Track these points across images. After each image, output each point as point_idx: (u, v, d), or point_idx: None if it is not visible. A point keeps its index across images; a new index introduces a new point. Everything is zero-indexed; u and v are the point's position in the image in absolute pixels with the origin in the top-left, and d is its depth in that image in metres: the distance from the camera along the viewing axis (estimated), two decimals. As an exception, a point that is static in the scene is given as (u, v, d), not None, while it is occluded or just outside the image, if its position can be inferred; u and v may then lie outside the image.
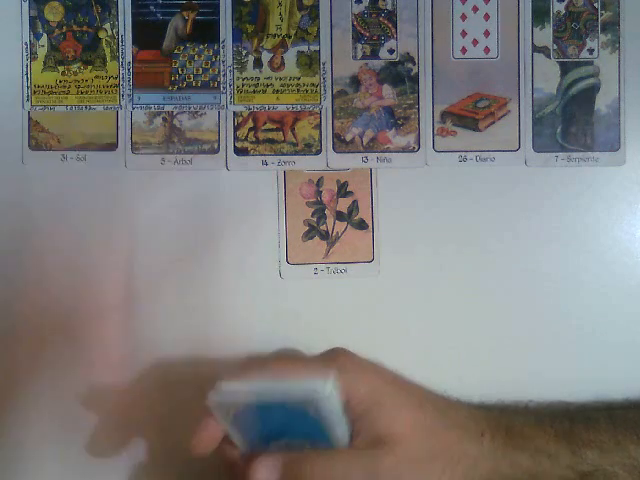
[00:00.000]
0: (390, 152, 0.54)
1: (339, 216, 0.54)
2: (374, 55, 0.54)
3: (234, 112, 0.54)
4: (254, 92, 0.54)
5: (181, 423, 0.44)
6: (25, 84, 0.53)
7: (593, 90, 0.54)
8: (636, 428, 0.46)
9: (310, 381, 0.40)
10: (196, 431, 0.42)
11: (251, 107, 0.54)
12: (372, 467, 0.41)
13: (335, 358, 0.44)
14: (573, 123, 0.54)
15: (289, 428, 0.41)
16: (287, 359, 0.49)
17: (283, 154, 0.54)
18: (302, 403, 0.40)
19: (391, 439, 0.41)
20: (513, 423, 0.46)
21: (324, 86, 0.54)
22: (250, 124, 0.54)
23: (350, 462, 0.41)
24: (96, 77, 0.53)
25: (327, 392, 0.40)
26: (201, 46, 0.53)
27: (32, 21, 0.53)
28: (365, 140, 0.54)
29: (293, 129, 0.54)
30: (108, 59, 0.53)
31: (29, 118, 0.53)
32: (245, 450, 0.43)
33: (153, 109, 0.53)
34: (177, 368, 0.53)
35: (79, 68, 0.53)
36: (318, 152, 0.54)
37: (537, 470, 0.43)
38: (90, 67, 0.53)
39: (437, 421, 0.43)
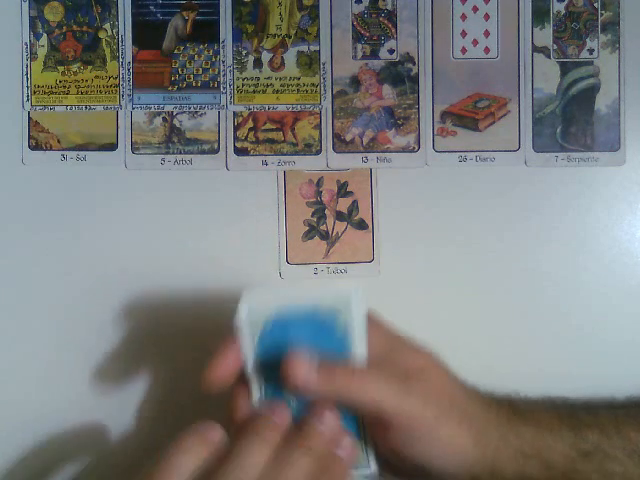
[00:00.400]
0: (390, 152, 0.54)
1: (339, 216, 0.54)
2: (374, 55, 0.54)
3: (234, 112, 0.54)
4: (254, 92, 0.54)
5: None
6: (25, 84, 0.53)
7: (593, 90, 0.54)
8: (637, 416, 0.46)
9: (340, 288, 0.41)
10: (213, 358, 0.40)
11: (251, 107, 0.54)
12: (404, 387, 0.40)
13: None
14: (573, 123, 0.54)
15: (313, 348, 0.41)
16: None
17: (283, 154, 0.54)
18: (334, 308, 0.40)
19: (414, 374, 0.41)
20: (516, 402, 0.46)
21: (324, 86, 0.54)
22: (250, 124, 0.54)
23: (385, 379, 0.40)
24: (96, 77, 0.53)
25: (358, 295, 0.40)
26: (201, 46, 0.53)
27: (32, 21, 0.53)
28: (365, 140, 0.54)
29: (293, 129, 0.54)
30: (108, 59, 0.53)
31: (29, 118, 0.53)
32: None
33: (153, 109, 0.53)
34: (177, 374, 0.53)
35: (79, 68, 0.53)
36: (318, 152, 0.54)
37: (541, 445, 0.43)
38: (90, 67, 0.53)
39: (450, 379, 0.43)
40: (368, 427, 0.42)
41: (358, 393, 0.39)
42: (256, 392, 0.41)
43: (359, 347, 0.41)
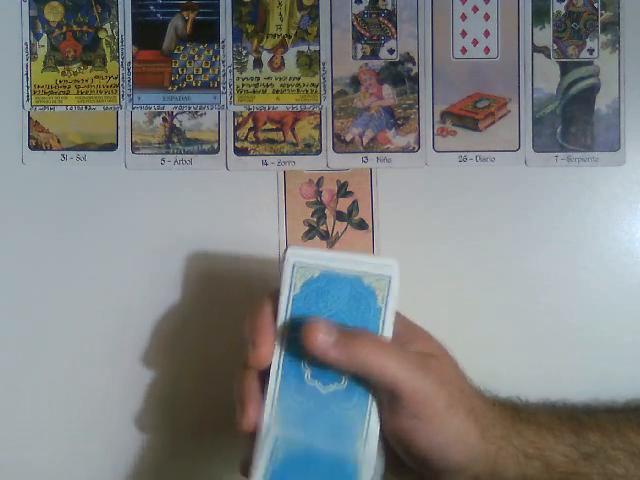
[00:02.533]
0: (390, 152, 0.54)
1: (339, 216, 0.54)
2: (374, 55, 0.54)
3: (234, 112, 0.54)
4: (254, 92, 0.54)
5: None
6: (25, 84, 0.53)
7: (593, 90, 0.54)
8: (636, 418, 0.46)
9: (384, 266, 0.41)
10: (241, 405, 0.40)
11: (251, 107, 0.54)
12: (422, 368, 0.40)
13: None
14: (573, 123, 0.54)
15: (344, 320, 0.41)
16: None
17: (283, 154, 0.54)
18: (375, 285, 0.40)
19: (429, 359, 0.41)
20: (517, 405, 0.47)
21: (324, 86, 0.54)
22: (250, 124, 0.54)
23: (405, 356, 0.40)
24: (96, 77, 0.53)
25: (398, 276, 0.41)
26: (201, 46, 0.53)
27: (32, 21, 0.53)
28: (365, 140, 0.54)
29: (293, 129, 0.54)
30: (108, 59, 0.53)
31: (29, 118, 0.53)
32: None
33: (153, 109, 0.53)
34: (177, 372, 0.53)
35: (79, 68, 0.53)
36: (318, 152, 0.54)
37: (543, 446, 0.43)
38: (90, 67, 0.53)
39: (459, 371, 0.44)
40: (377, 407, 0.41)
41: (376, 366, 0.39)
42: (275, 364, 0.40)
43: (387, 327, 0.41)
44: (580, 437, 0.44)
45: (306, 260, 0.41)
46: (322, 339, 0.39)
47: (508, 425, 0.43)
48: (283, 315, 0.40)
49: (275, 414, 0.40)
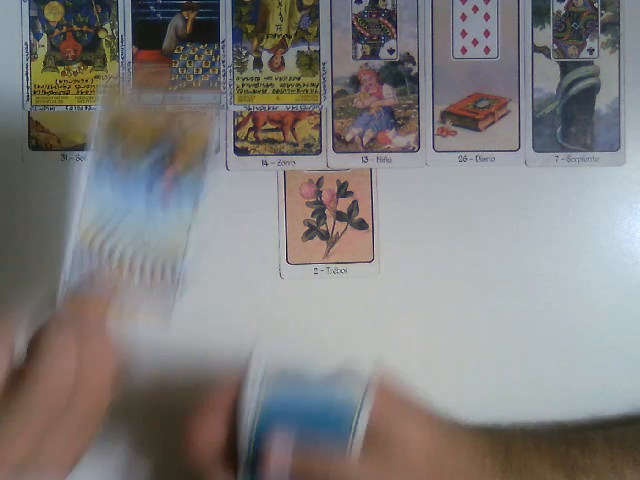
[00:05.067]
0: (390, 152, 0.54)
1: (339, 216, 0.54)
2: (374, 55, 0.54)
3: (234, 112, 0.54)
4: (254, 92, 0.54)
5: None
6: (25, 84, 0.53)
7: (593, 90, 0.54)
8: (632, 450, 0.45)
9: (355, 391, 0.41)
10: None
11: (251, 107, 0.54)
12: (384, 469, 0.40)
13: None
14: (573, 123, 0.54)
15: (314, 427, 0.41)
16: None
17: (283, 154, 0.54)
18: (346, 410, 0.40)
19: (401, 448, 0.41)
20: (511, 446, 0.46)
21: (324, 86, 0.54)
22: (250, 124, 0.54)
23: (363, 465, 0.40)
24: (96, 77, 0.53)
25: (372, 400, 0.40)
26: (201, 46, 0.53)
27: (32, 21, 0.53)
28: (365, 140, 0.54)
29: (293, 129, 0.54)
30: (108, 59, 0.53)
31: (29, 118, 0.53)
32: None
33: (153, 109, 0.53)
34: (174, 369, 0.53)
35: (79, 68, 0.53)
36: (318, 152, 0.54)
37: None
38: (90, 67, 0.53)
39: (445, 441, 0.43)
40: None
41: None
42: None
43: (356, 442, 0.41)
44: None
45: (272, 379, 0.41)
46: (278, 457, 0.39)
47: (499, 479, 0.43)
48: (252, 417, 0.41)
49: None
